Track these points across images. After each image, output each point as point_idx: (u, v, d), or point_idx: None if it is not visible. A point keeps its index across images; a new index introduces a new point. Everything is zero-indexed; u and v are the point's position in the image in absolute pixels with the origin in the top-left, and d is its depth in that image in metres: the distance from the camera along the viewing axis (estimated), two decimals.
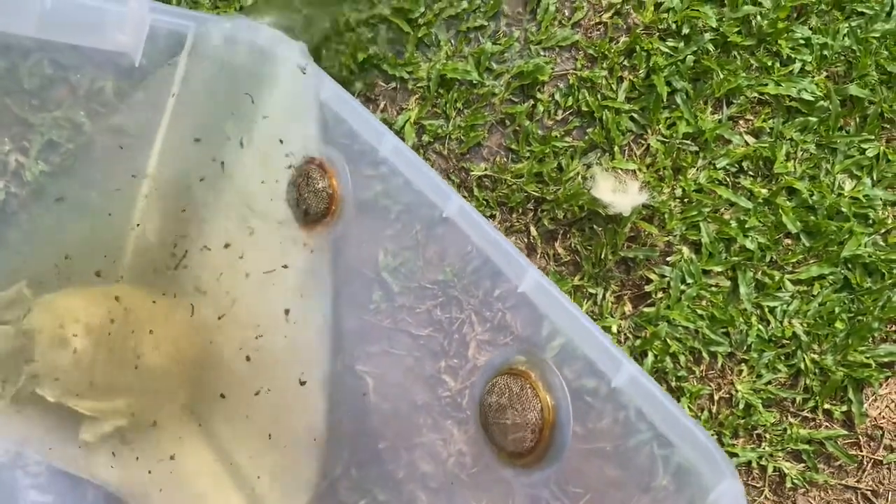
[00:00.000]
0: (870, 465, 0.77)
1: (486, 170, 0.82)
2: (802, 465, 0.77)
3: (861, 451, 0.77)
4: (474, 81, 0.82)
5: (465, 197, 0.81)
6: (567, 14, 0.83)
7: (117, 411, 0.67)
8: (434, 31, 0.83)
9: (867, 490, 0.77)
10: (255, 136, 0.69)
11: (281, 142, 0.69)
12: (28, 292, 0.65)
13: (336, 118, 0.66)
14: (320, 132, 0.67)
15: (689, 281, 0.78)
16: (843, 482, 0.77)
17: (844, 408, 0.77)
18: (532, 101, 0.82)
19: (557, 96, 0.82)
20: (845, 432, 0.77)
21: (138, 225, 0.72)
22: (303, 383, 0.70)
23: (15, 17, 0.61)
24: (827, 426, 0.78)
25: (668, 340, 0.77)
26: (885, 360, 0.77)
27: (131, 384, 0.67)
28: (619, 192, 0.76)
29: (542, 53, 0.82)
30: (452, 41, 0.84)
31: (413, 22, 0.83)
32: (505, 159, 0.82)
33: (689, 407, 0.78)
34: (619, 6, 0.82)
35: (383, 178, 0.65)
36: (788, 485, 0.77)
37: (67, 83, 0.72)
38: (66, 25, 0.64)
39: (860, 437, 0.77)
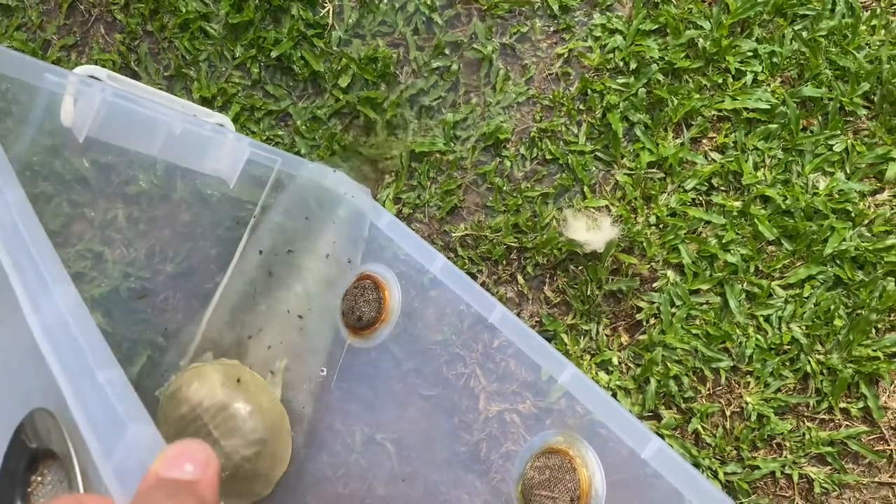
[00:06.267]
0: None
1: (466, 229, 0.86)
2: (829, 468, 0.76)
3: (888, 446, 0.76)
4: (443, 150, 0.87)
5: (450, 257, 0.86)
6: (519, 71, 0.87)
7: None
8: (399, 112, 0.89)
9: None
10: (320, 254, 0.81)
11: (345, 260, 0.80)
12: None
13: (390, 241, 0.78)
14: (376, 252, 0.79)
15: (678, 303, 0.80)
16: (876, 479, 0.76)
17: (861, 404, 0.76)
18: (499, 159, 0.86)
19: (522, 150, 0.86)
20: (867, 428, 0.76)
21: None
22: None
23: (146, 139, 0.72)
24: (847, 425, 0.77)
25: (667, 364, 0.79)
26: (893, 349, 0.76)
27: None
28: (592, 229, 0.79)
29: (500, 113, 0.87)
30: (418, 117, 0.89)
31: (379, 108, 0.89)
32: (483, 216, 0.86)
33: (702, 426, 0.78)
34: (566, 55, 0.86)
35: (432, 292, 0.75)
36: (818, 490, 0.76)
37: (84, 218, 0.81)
38: (182, 150, 0.74)
39: (884, 431, 0.76)
